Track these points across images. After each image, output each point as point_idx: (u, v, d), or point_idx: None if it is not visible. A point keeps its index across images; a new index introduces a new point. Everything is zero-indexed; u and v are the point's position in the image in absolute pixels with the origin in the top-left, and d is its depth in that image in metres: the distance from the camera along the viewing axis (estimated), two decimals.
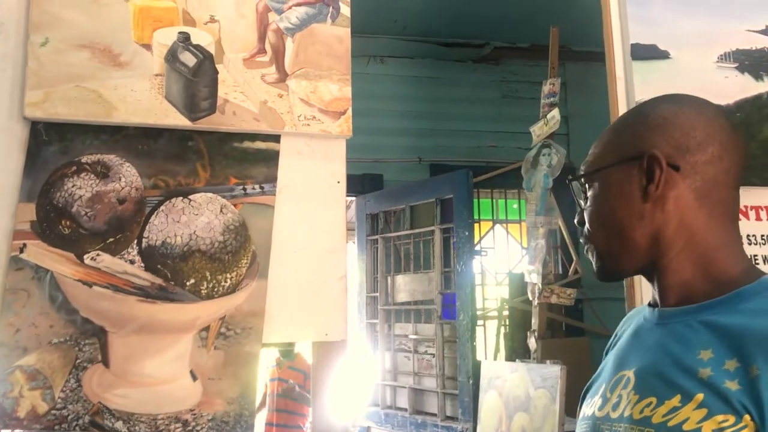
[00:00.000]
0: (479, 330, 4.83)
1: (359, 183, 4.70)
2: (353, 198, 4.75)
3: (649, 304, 1.04)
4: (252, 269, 1.50)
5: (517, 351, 4.09)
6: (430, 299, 4.19)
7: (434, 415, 4.01)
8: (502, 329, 4.57)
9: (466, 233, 3.97)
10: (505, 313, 4.66)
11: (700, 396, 0.87)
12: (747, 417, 0.83)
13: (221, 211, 1.49)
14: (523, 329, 4.42)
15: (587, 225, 1.02)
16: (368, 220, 4.69)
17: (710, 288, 0.95)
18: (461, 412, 3.76)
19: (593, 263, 1.03)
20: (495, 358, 4.32)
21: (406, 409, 4.19)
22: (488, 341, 4.82)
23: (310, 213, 1.55)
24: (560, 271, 4.75)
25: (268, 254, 1.51)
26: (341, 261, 1.58)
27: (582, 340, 4.63)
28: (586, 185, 1.02)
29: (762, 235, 1.86)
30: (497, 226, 5.14)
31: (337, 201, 1.57)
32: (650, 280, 1.02)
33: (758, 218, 1.87)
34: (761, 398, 0.83)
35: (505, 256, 5.12)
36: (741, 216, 1.91)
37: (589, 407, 1.03)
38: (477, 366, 3.65)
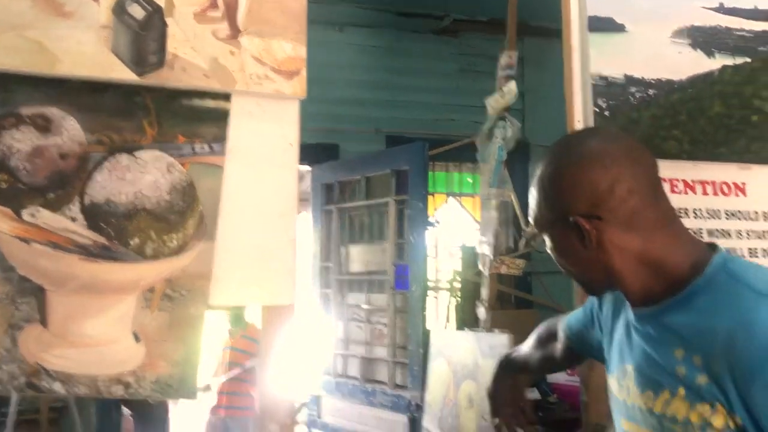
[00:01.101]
0: (431, 301, 4.87)
1: (315, 152, 4.65)
2: (309, 168, 4.71)
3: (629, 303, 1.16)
4: (199, 230, 1.46)
5: (467, 322, 4.12)
6: (383, 270, 4.19)
7: (384, 383, 4.03)
8: (454, 301, 4.61)
9: (420, 205, 3.97)
10: (457, 285, 4.69)
11: (682, 390, 1.01)
12: (719, 405, 0.97)
13: (168, 169, 1.45)
14: (474, 301, 4.46)
15: (560, 264, 1.17)
16: (323, 190, 4.65)
17: (666, 289, 1.07)
18: (411, 380, 3.79)
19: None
20: (445, 329, 4.36)
21: (357, 378, 4.21)
22: (440, 312, 4.86)
23: (261, 175, 1.52)
24: (511, 245, 4.80)
25: (216, 215, 1.48)
26: (291, 224, 1.56)
27: (530, 312, 4.71)
28: (543, 234, 1.17)
29: (707, 210, 1.90)
30: (451, 199, 5.16)
31: (289, 164, 1.54)
32: (619, 290, 1.15)
33: (704, 193, 1.90)
34: (726, 389, 0.95)
35: (459, 229, 5.16)
36: (688, 190, 1.94)
37: (614, 383, 1.19)
38: (427, 336, 3.67)
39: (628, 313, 1.16)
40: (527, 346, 1.57)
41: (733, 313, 0.98)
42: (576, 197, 1.08)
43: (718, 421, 0.97)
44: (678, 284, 1.06)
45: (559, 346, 1.48)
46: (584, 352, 1.41)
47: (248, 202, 1.50)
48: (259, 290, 1.51)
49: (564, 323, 1.46)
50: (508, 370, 1.56)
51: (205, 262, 1.46)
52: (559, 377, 4.12)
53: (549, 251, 1.17)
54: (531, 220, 1.19)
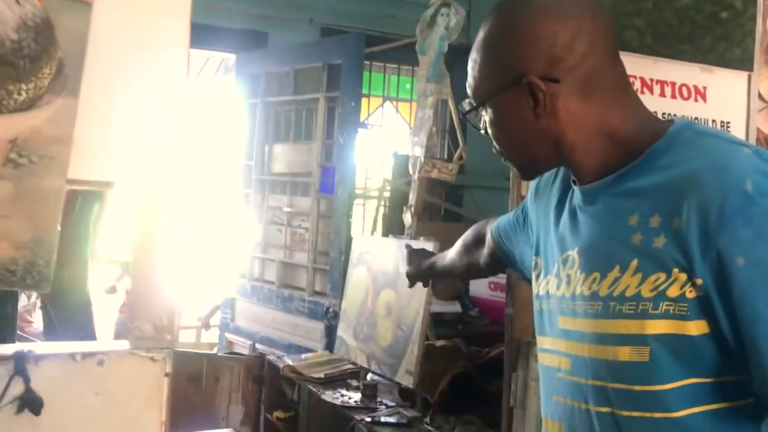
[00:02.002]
0: (358, 209, 4.68)
1: (241, 39, 4.27)
2: (233, 55, 4.33)
3: (573, 182, 1.04)
4: (58, 83, 1.17)
5: (394, 231, 3.95)
6: (309, 171, 3.94)
7: (302, 289, 3.86)
8: (382, 209, 4.42)
9: (353, 104, 3.70)
10: (386, 194, 4.50)
11: (634, 262, 0.90)
12: (675, 270, 0.86)
13: (17, 0, 1.13)
14: (402, 211, 4.29)
15: (493, 141, 1.04)
16: (249, 81, 4.30)
17: (624, 157, 0.95)
18: (330, 287, 3.63)
19: (513, 169, 1.08)
20: (369, 236, 4.18)
21: (273, 283, 4.02)
22: (366, 221, 4.68)
23: (142, 20, 1.22)
24: (446, 156, 4.61)
25: (81, 66, 1.18)
26: (177, 89, 1.28)
27: (458, 225, 4.58)
28: (480, 113, 1.04)
29: (663, 114, 1.71)
30: (387, 103, 4.89)
31: (179, 9, 1.24)
32: (567, 167, 1.03)
33: (662, 94, 1.70)
34: (687, 245, 0.84)
35: (393, 136, 4.92)
36: (645, 89, 1.74)
37: (549, 285, 1.06)
38: (350, 242, 3.49)
39: (573, 198, 1.04)
40: (453, 252, 1.51)
41: (701, 161, 0.87)
42: (530, 55, 0.94)
43: (673, 290, 0.86)
44: (636, 151, 0.94)
45: (485, 251, 1.39)
46: (506, 256, 1.30)
47: (124, 52, 1.21)
48: (135, 165, 1.24)
49: (493, 226, 1.35)
50: (430, 272, 1.56)
51: (65, 124, 1.17)
52: (481, 291, 4.06)
53: (488, 127, 1.03)
54: (470, 91, 1.04)
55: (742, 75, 1.85)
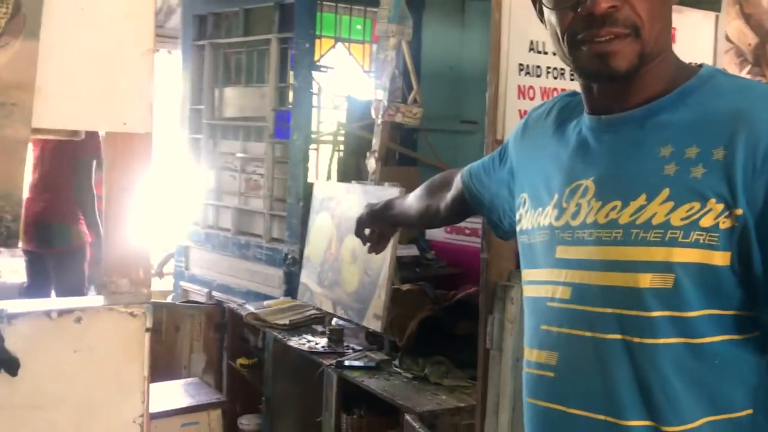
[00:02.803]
0: (312, 154, 4.60)
1: None
2: None
3: (588, 113, 1.01)
4: (15, 24, 1.08)
5: (349, 177, 3.91)
6: (262, 116, 3.85)
7: (259, 236, 3.81)
8: (336, 154, 4.36)
9: (307, 45, 3.60)
10: (341, 138, 4.44)
11: (666, 191, 0.89)
12: (712, 201, 0.87)
13: None
14: (357, 155, 4.23)
15: (635, 8, 0.92)
16: (195, 22, 4.14)
17: (663, 87, 0.95)
18: (288, 234, 3.59)
19: (612, 60, 0.92)
20: (327, 182, 4.13)
21: (229, 230, 3.96)
22: (320, 166, 4.61)
23: None
24: (401, 97, 4.54)
25: (40, 5, 1.10)
26: (147, 29, 1.20)
27: (413, 169, 4.57)
28: None
29: None
30: (339, 45, 4.77)
31: None
32: (616, 82, 0.95)
33: None
34: (732, 175, 0.85)
35: (346, 78, 4.81)
36: None
37: (543, 217, 1.03)
38: (308, 188, 3.45)
39: (582, 128, 1.02)
40: (413, 196, 1.51)
41: (749, 99, 0.90)
42: None
43: (707, 220, 0.87)
44: (668, 87, 0.94)
45: (448, 196, 1.38)
46: (474, 198, 1.30)
47: None
48: (103, 112, 1.16)
49: (464, 170, 1.34)
50: (381, 215, 1.57)
51: (25, 68, 1.09)
52: (437, 234, 4.08)
53: None
54: None
55: (710, 16, 1.86)
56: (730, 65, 1.88)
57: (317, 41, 4.24)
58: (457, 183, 1.35)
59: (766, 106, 0.88)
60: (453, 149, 4.85)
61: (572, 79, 1.71)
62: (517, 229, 1.12)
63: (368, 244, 1.62)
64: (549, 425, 1.01)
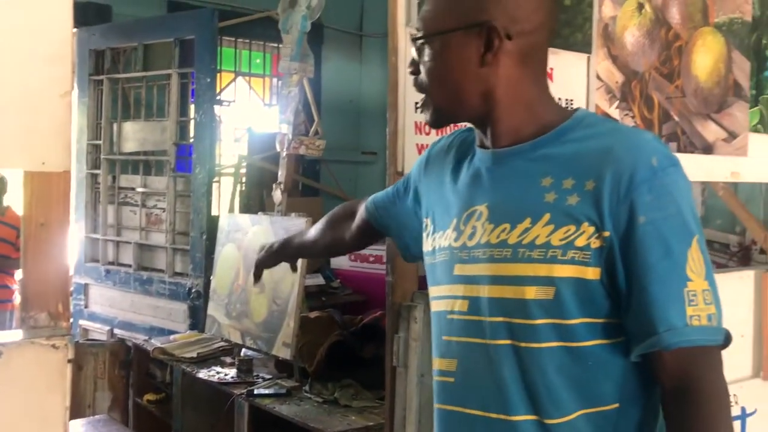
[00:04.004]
0: (213, 186, 4.61)
1: (82, 13, 4.04)
2: (74, 30, 4.08)
3: (479, 147, 1.15)
4: None
5: (251, 209, 3.97)
6: (163, 150, 3.84)
7: (162, 271, 3.78)
8: (239, 186, 4.40)
9: (208, 80, 3.65)
10: (242, 170, 4.48)
11: (547, 215, 1.03)
12: (585, 224, 1.01)
13: None
14: (260, 187, 4.29)
15: (423, 77, 1.10)
16: (92, 57, 4.09)
17: (537, 129, 1.08)
18: (192, 267, 3.59)
19: (427, 113, 1.13)
20: (230, 214, 4.16)
21: (130, 266, 3.90)
22: (222, 198, 4.63)
23: (20, 2, 1.18)
24: (304, 130, 4.64)
25: None
26: (65, 72, 1.25)
27: (317, 200, 4.67)
28: (425, 42, 1.10)
29: None
30: (239, 78, 4.84)
31: None
32: (481, 127, 1.12)
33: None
34: (600, 203, 1.00)
35: (246, 111, 4.87)
36: None
37: (443, 239, 1.16)
38: (211, 221, 3.47)
39: (475, 159, 1.15)
40: (314, 230, 1.57)
41: (615, 139, 1.04)
42: (499, 7, 1.06)
43: (581, 240, 1.01)
44: (547, 126, 1.08)
45: (353, 226, 1.47)
46: (383, 227, 1.40)
47: (2, 35, 1.16)
48: (21, 152, 1.20)
49: (368, 200, 1.44)
50: (282, 252, 1.61)
51: None
52: (342, 263, 4.19)
53: (428, 60, 1.09)
54: (424, 21, 1.11)
55: (583, 57, 2.07)
56: (601, 101, 2.09)
57: (218, 75, 4.29)
58: (361, 213, 1.44)
59: (629, 147, 1.02)
60: (354, 179, 5.00)
61: None
62: (423, 251, 1.24)
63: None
64: (453, 427, 1.13)
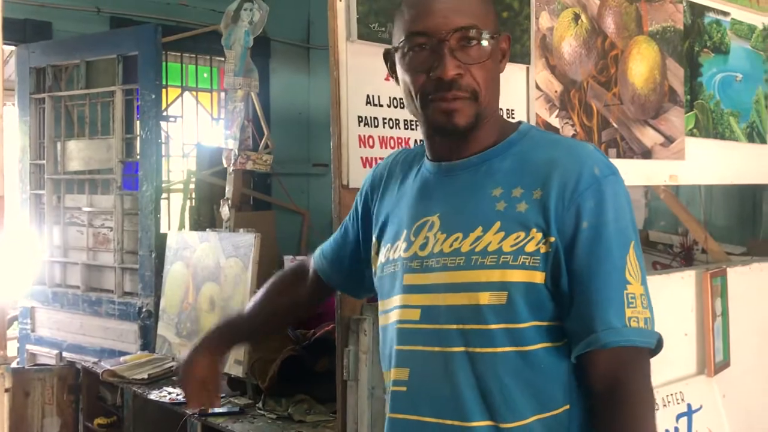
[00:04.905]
0: (162, 204, 4.55)
1: (21, 30, 3.96)
2: (13, 48, 4.00)
3: (428, 159, 1.19)
4: None
5: (202, 225, 3.92)
6: (109, 168, 3.78)
7: (111, 291, 3.71)
8: (188, 203, 4.35)
9: (153, 96, 3.60)
10: (192, 186, 4.43)
11: (498, 223, 1.07)
12: (534, 230, 1.05)
13: None
14: (210, 203, 4.25)
15: (475, 77, 1.09)
16: (33, 75, 4.01)
17: (492, 138, 1.13)
18: (142, 287, 3.53)
19: (455, 117, 1.09)
20: (180, 231, 4.10)
21: (78, 287, 3.82)
22: (172, 215, 4.57)
23: None
24: (251, 145, 4.62)
25: None
26: None
27: (269, 213, 4.64)
28: (483, 39, 1.09)
29: None
30: (186, 93, 4.79)
31: None
32: (462, 135, 1.13)
33: None
34: (547, 210, 1.05)
35: (194, 126, 4.82)
36: None
37: (393, 251, 1.17)
38: (160, 239, 3.42)
39: (424, 172, 1.19)
40: (257, 305, 1.42)
41: (556, 149, 1.11)
42: (496, 13, 1.16)
43: (530, 246, 1.05)
44: (496, 138, 1.13)
45: (307, 283, 1.41)
46: (342, 272, 1.37)
47: None
48: None
49: (315, 256, 1.41)
50: (215, 341, 1.38)
51: None
52: None
53: (483, 58, 1.09)
54: (477, 18, 1.10)
55: (522, 68, 2.11)
56: (541, 110, 2.13)
57: (163, 91, 4.24)
58: (312, 269, 1.40)
59: (572, 157, 1.08)
60: (306, 191, 4.99)
61: (407, 128, 1.89)
62: (374, 269, 1.25)
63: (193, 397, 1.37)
64: None
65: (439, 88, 1.08)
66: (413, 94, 1.12)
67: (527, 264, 1.04)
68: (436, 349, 1.09)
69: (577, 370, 1.08)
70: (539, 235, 1.05)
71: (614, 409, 1.03)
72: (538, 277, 1.05)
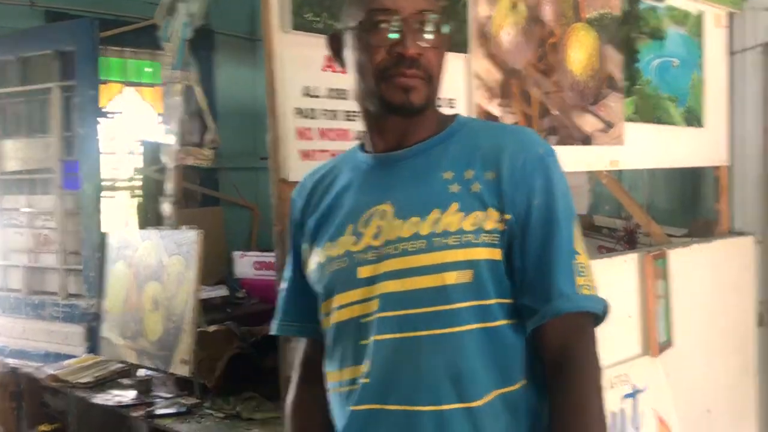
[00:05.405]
0: (109, 202, 4.45)
1: None
2: None
3: (366, 151, 1.21)
4: None
5: (150, 222, 3.84)
6: (48, 167, 3.66)
7: (55, 293, 3.60)
8: (134, 200, 4.26)
9: (92, 93, 3.50)
10: (137, 183, 4.34)
11: (456, 204, 1.09)
12: (491, 209, 1.09)
13: None
14: (157, 200, 4.17)
15: (430, 59, 1.12)
16: None
17: (434, 130, 1.17)
18: (87, 288, 3.43)
19: (418, 94, 1.12)
20: (125, 230, 4.01)
21: (19, 290, 3.70)
22: (119, 213, 4.47)
23: None
24: (196, 140, 4.54)
25: None
26: None
27: (217, 209, 4.58)
28: (442, 27, 1.12)
29: None
30: (128, 89, 4.68)
31: None
32: (401, 122, 1.15)
33: None
34: (501, 190, 1.09)
35: (138, 122, 4.72)
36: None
37: (336, 248, 1.16)
38: (104, 239, 3.34)
39: (362, 167, 1.20)
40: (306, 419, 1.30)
41: (500, 134, 1.17)
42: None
43: (489, 224, 1.08)
44: (440, 126, 1.17)
45: (316, 358, 1.26)
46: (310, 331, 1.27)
47: None
48: None
49: (303, 349, 1.32)
50: None
51: None
52: (247, 272, 4.12)
53: (441, 44, 1.13)
54: (434, 4, 1.14)
55: (461, 57, 2.11)
56: (481, 99, 2.13)
57: (104, 87, 4.13)
58: (306, 353, 1.31)
59: (518, 140, 1.14)
60: (255, 186, 4.92)
61: (346, 120, 1.87)
62: (307, 272, 1.22)
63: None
64: (372, 425, 1.10)
65: (399, 63, 1.10)
66: (370, 71, 1.12)
67: (488, 241, 1.07)
68: (400, 335, 1.08)
69: (532, 344, 1.10)
70: (496, 214, 1.08)
71: (566, 375, 1.05)
72: (498, 254, 1.08)
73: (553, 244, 1.08)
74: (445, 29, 1.13)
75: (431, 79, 1.12)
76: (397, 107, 1.13)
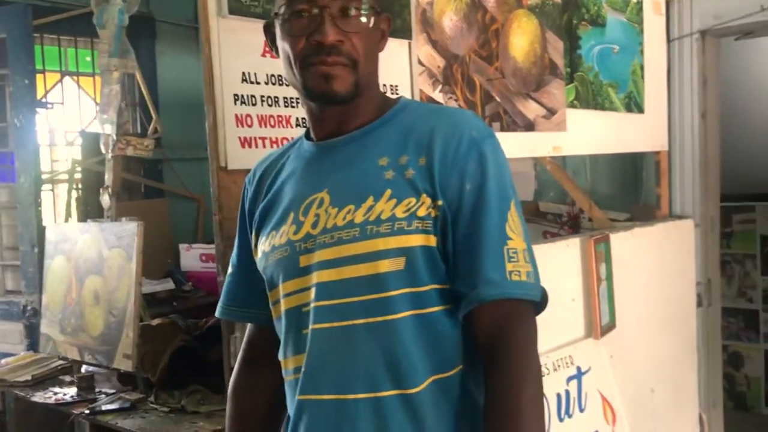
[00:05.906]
0: (48, 194, 4.31)
1: None
2: None
3: (309, 139, 1.20)
4: None
5: (91, 215, 3.74)
6: None
7: None
8: (75, 193, 4.14)
9: (26, 82, 3.40)
10: (78, 175, 4.21)
11: (389, 191, 1.08)
12: (423, 195, 1.08)
13: None
14: (98, 192, 4.06)
15: (354, 45, 1.10)
16: None
17: (373, 115, 1.16)
18: (25, 284, 3.35)
19: (343, 82, 1.10)
20: (64, 223, 3.90)
21: None
22: (58, 206, 4.34)
23: None
24: (139, 130, 4.44)
25: None
26: None
27: (161, 201, 4.49)
28: (363, 12, 1.11)
29: None
30: (66, 78, 4.53)
31: None
32: (341, 109, 1.14)
33: None
34: (432, 175, 1.08)
35: (77, 113, 4.58)
36: None
37: (279, 237, 1.15)
38: (43, 233, 3.24)
39: (303, 154, 1.20)
40: (238, 412, 1.30)
41: (435, 118, 1.14)
42: None
43: (422, 210, 1.07)
44: (378, 111, 1.16)
45: (266, 362, 1.26)
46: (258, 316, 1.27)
47: None
48: None
49: (247, 333, 1.32)
50: None
51: None
52: (193, 265, 4.05)
53: (364, 31, 1.12)
54: None
55: (404, 43, 2.09)
56: (425, 85, 2.13)
57: (41, 76, 4.00)
58: (252, 333, 1.31)
59: (451, 124, 1.12)
60: (200, 177, 4.82)
61: (287, 106, 1.84)
62: (257, 260, 1.21)
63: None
64: (307, 415, 1.10)
65: (319, 51, 1.09)
66: (292, 60, 1.11)
67: (421, 228, 1.07)
68: (336, 324, 1.08)
69: (466, 330, 1.10)
70: (428, 200, 1.07)
71: (497, 361, 1.05)
72: (432, 241, 1.07)
73: (482, 229, 1.07)
74: (365, 14, 1.10)
75: (356, 65, 1.10)
76: (319, 96, 1.12)
